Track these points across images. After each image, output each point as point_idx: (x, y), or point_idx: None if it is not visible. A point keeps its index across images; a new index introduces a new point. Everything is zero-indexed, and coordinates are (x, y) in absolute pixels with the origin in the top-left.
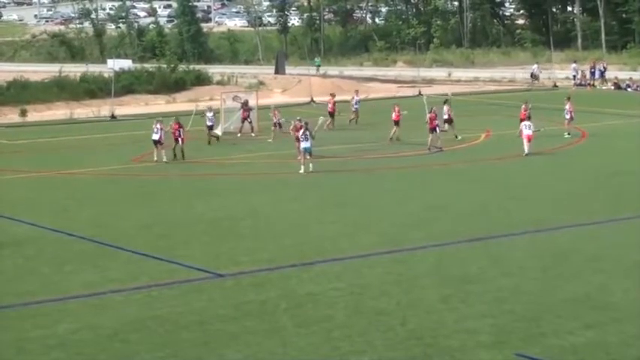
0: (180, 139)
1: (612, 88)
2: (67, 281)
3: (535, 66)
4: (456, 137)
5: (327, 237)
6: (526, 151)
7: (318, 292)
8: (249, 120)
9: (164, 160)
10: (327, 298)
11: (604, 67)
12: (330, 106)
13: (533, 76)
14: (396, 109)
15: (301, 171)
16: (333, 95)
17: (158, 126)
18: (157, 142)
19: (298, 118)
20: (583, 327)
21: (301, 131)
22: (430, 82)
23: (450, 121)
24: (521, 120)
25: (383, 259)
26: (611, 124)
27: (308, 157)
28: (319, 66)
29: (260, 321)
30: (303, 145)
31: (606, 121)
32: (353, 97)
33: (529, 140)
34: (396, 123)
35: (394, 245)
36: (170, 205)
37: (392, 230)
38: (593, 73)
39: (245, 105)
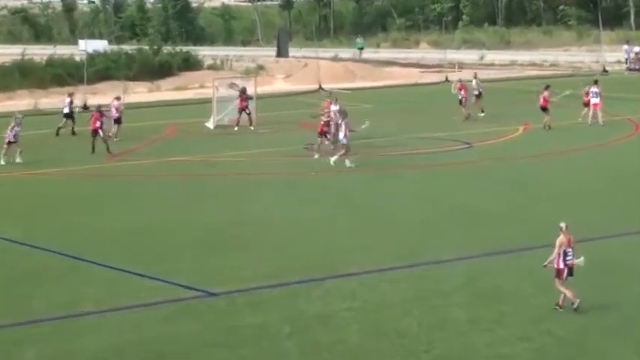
0: (100, 130)
1: None
2: (34, 302)
3: (626, 46)
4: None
5: (339, 248)
6: (589, 121)
7: (329, 312)
8: (247, 111)
9: (17, 160)
10: (340, 319)
11: None
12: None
13: (629, 61)
14: (545, 94)
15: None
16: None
17: (17, 128)
18: (11, 142)
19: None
20: (633, 350)
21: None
22: (459, 65)
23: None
24: (585, 104)
25: (403, 273)
26: None
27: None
28: (362, 48)
29: (259, 348)
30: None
31: None
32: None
33: (597, 108)
34: (544, 109)
35: (416, 257)
36: (154, 210)
37: (413, 239)
38: None
39: (243, 93)
